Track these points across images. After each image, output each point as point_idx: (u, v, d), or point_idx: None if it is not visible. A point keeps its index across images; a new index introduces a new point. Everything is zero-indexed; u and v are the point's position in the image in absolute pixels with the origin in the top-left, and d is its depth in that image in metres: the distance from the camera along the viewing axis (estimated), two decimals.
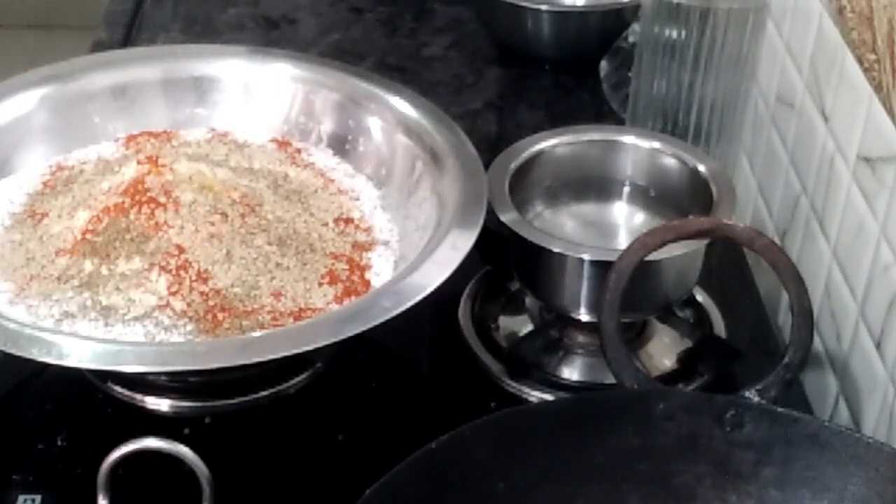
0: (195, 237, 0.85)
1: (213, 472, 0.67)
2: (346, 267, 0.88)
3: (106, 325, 0.81)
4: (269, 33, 1.36)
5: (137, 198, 0.86)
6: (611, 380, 0.79)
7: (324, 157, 0.99)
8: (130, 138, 0.98)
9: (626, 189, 0.97)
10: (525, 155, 0.94)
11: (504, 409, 0.76)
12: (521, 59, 1.31)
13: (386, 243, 0.91)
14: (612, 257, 0.80)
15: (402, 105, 0.97)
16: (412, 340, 0.93)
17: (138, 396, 0.86)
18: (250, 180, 0.92)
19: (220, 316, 0.82)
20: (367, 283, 0.87)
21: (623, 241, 0.92)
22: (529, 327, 0.94)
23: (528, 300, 0.96)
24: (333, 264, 0.87)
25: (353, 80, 1.01)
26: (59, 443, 0.83)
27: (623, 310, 0.79)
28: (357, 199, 0.95)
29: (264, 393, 0.87)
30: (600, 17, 1.27)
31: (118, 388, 0.86)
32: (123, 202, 0.86)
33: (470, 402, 0.88)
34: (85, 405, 0.87)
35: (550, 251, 0.85)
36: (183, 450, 0.66)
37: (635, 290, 0.80)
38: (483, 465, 0.69)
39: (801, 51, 0.98)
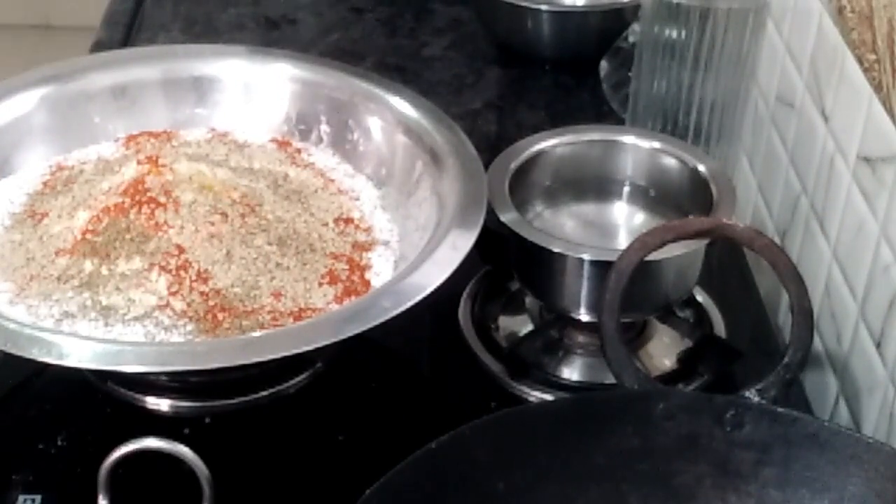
0: (195, 237, 0.85)
1: (213, 472, 0.67)
2: (346, 267, 0.88)
3: (106, 325, 0.81)
4: (269, 33, 1.36)
5: (137, 198, 0.86)
6: (611, 380, 0.79)
7: (324, 157, 0.99)
8: (130, 138, 0.98)
9: (626, 189, 0.97)
10: (525, 155, 0.94)
11: (504, 409, 0.76)
12: (521, 59, 1.31)
13: (386, 243, 0.91)
14: (612, 257, 0.80)
15: (402, 105, 0.97)
16: (412, 340, 0.93)
17: (138, 396, 0.86)
18: (250, 180, 0.92)
19: (220, 316, 0.82)
20: (367, 283, 0.87)
21: (623, 241, 0.92)
22: (529, 327, 0.94)
23: (528, 300, 0.96)
24: (333, 264, 0.87)
25: (353, 80, 1.01)
26: (59, 443, 0.83)
27: (623, 310, 0.79)
28: (357, 199, 0.95)
29: (264, 393, 0.87)
30: (600, 17, 1.27)
31: (118, 388, 0.86)
32: (123, 202, 0.86)
33: (470, 402, 0.88)
34: (85, 405, 0.87)
35: (550, 251, 0.85)
36: (183, 450, 0.66)
37: (635, 290, 0.80)
38: (483, 465, 0.69)
39: (801, 51, 0.98)
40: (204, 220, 0.86)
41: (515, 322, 0.95)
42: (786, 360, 0.78)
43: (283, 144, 0.99)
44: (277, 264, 0.85)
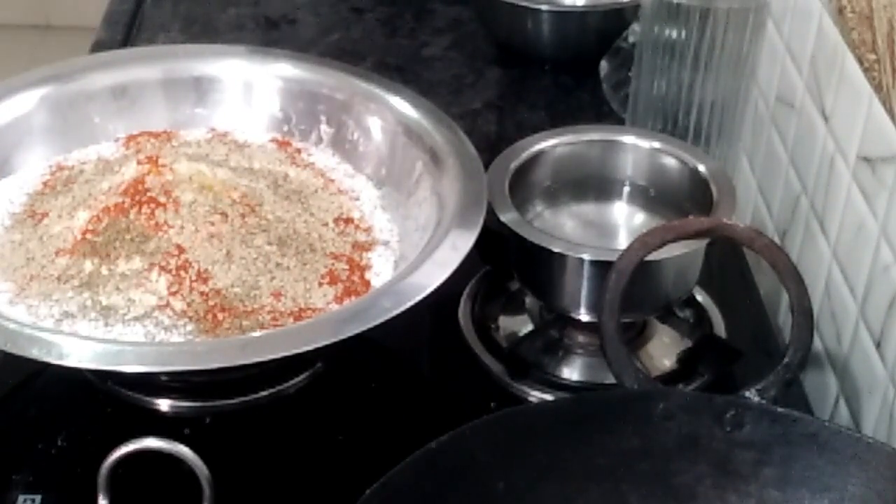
0: (195, 237, 0.85)
1: (213, 472, 0.67)
2: (346, 267, 0.88)
3: (106, 325, 0.81)
4: (269, 33, 1.36)
5: (137, 198, 0.86)
6: (611, 380, 0.78)
7: (324, 157, 0.99)
8: (130, 138, 0.98)
9: (626, 189, 0.97)
10: (525, 155, 0.94)
11: (504, 409, 0.76)
12: (521, 59, 1.31)
13: (386, 243, 0.91)
14: (612, 257, 0.80)
15: (402, 105, 0.97)
16: (412, 340, 0.93)
17: (138, 396, 0.86)
18: (250, 180, 0.92)
19: (220, 316, 0.82)
20: (367, 283, 0.87)
21: (623, 241, 0.92)
22: (529, 327, 0.94)
23: (528, 300, 0.96)
24: (333, 264, 0.87)
25: (353, 80, 1.01)
26: (59, 443, 0.83)
27: (623, 310, 0.79)
28: (357, 199, 0.95)
29: (264, 393, 0.87)
30: (600, 17, 1.27)
31: (118, 388, 0.86)
32: (123, 202, 0.86)
33: (470, 402, 0.88)
34: (85, 405, 0.87)
35: (550, 251, 0.85)
36: (183, 450, 0.66)
37: (635, 290, 0.80)
38: (483, 465, 0.69)
39: (801, 51, 0.98)
40: (204, 220, 0.86)
41: (515, 322, 0.95)
42: (786, 360, 0.78)
43: (283, 144, 0.99)
44: (277, 264, 0.85)
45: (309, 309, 0.83)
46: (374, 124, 0.98)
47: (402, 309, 0.77)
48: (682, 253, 0.85)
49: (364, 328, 0.75)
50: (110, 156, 0.96)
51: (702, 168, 0.93)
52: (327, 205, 0.93)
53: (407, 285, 0.79)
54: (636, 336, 0.93)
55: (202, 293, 0.83)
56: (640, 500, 0.71)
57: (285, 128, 1.01)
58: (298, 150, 0.99)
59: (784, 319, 0.99)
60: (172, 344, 0.80)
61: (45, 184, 0.93)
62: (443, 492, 0.67)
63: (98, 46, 1.28)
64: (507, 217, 0.87)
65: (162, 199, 0.86)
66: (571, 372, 0.91)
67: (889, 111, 0.81)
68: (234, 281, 0.84)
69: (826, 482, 0.70)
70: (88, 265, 0.84)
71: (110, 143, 0.98)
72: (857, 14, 0.86)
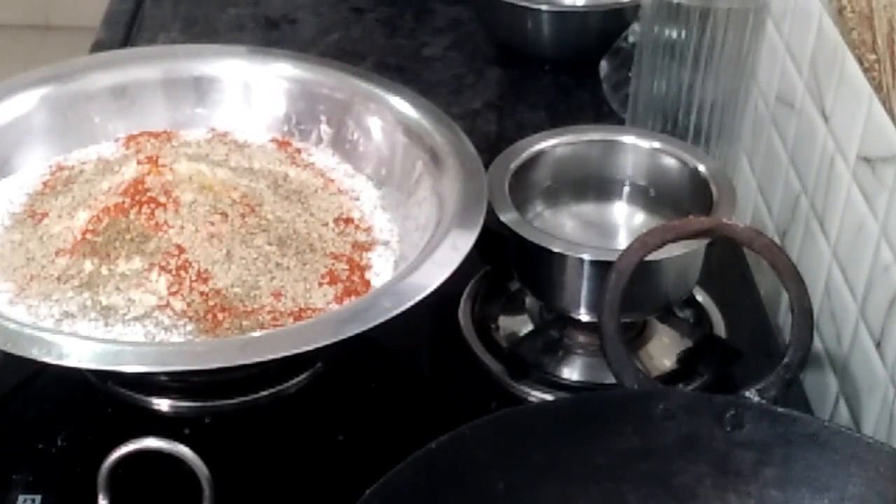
0: (195, 237, 0.85)
1: (212, 472, 0.67)
2: (346, 267, 0.88)
3: (106, 325, 0.81)
4: (269, 33, 1.36)
5: (137, 198, 0.86)
6: (611, 380, 0.78)
7: (324, 157, 0.99)
8: (130, 138, 0.98)
9: (626, 189, 0.97)
10: (525, 155, 0.94)
11: (504, 409, 0.76)
12: (521, 59, 1.31)
13: (386, 243, 0.91)
14: (612, 257, 0.80)
15: (402, 105, 0.97)
16: (412, 340, 0.93)
17: (138, 396, 0.86)
18: (250, 180, 0.92)
19: (220, 316, 0.82)
20: (367, 283, 0.87)
21: (623, 241, 0.92)
22: (529, 327, 0.94)
23: (528, 300, 0.96)
24: (333, 264, 0.87)
25: (353, 80, 1.01)
26: (59, 443, 0.83)
27: (623, 310, 0.79)
28: (357, 199, 0.95)
29: (264, 393, 0.87)
30: (600, 17, 1.27)
31: (118, 388, 0.86)
32: (123, 202, 0.86)
33: (470, 402, 0.88)
34: (85, 405, 0.87)
35: (550, 251, 0.85)
36: (183, 450, 0.66)
37: (635, 290, 0.80)
38: (483, 465, 0.69)
39: (801, 51, 0.98)
40: (204, 220, 0.86)
41: (515, 322, 0.95)
42: (786, 360, 0.78)
43: (283, 144, 0.99)
44: (277, 264, 0.85)
45: (309, 309, 0.83)
46: (374, 124, 0.98)
47: (402, 309, 0.77)
48: (682, 253, 0.85)
49: (364, 328, 0.76)
50: (110, 156, 0.96)
51: (702, 168, 0.93)
52: (327, 205, 0.93)
53: (407, 285, 0.79)
54: (636, 336, 0.93)
55: (202, 293, 0.83)
56: (640, 500, 0.71)
57: (285, 128, 1.01)
58: (298, 150, 0.99)
59: (784, 319, 0.99)
60: (172, 344, 0.80)
61: (45, 184, 0.93)
62: (443, 492, 0.67)
63: (98, 46, 1.28)
64: (507, 217, 0.87)
65: (162, 199, 0.86)
66: (571, 372, 0.91)
67: (889, 111, 0.81)
68: (234, 281, 0.84)
69: (826, 482, 0.70)
70: (88, 265, 0.84)
71: (110, 143, 0.98)
72: (857, 14, 0.86)
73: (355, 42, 1.35)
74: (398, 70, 1.29)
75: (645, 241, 0.80)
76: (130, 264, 0.83)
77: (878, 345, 0.82)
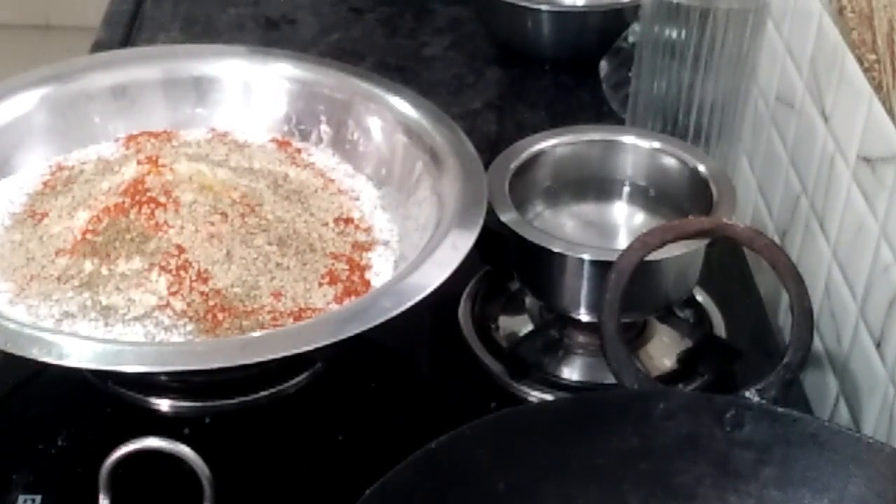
0: (195, 237, 0.85)
1: (213, 472, 0.67)
2: (346, 267, 0.88)
3: (106, 325, 0.81)
4: (269, 33, 1.36)
5: (137, 198, 0.86)
6: (611, 380, 0.79)
7: (324, 157, 0.99)
8: (130, 138, 0.98)
9: (626, 189, 0.97)
10: (525, 155, 0.94)
11: (504, 409, 0.76)
12: (521, 59, 1.31)
13: (386, 243, 0.91)
14: (612, 257, 0.80)
15: (402, 105, 0.97)
16: (412, 340, 0.93)
17: (138, 396, 0.86)
18: (250, 180, 0.92)
19: (220, 316, 0.82)
20: (367, 283, 0.87)
21: (623, 241, 0.92)
22: (529, 327, 0.94)
23: (528, 300, 0.96)
24: (333, 264, 0.87)
25: (353, 80, 1.01)
26: (59, 443, 0.83)
27: (623, 310, 0.79)
28: (357, 199, 0.95)
29: (264, 393, 0.87)
30: (600, 17, 1.27)
31: (118, 388, 0.86)
32: (123, 202, 0.86)
33: (470, 402, 0.88)
34: (85, 405, 0.87)
35: (550, 251, 0.85)
36: (184, 449, 0.66)
37: (635, 290, 0.80)
38: (483, 465, 0.69)
39: (801, 51, 0.98)
40: (204, 220, 0.86)
41: (515, 322, 0.95)
42: (786, 360, 0.78)
43: (283, 144, 0.99)
44: (277, 264, 0.85)
45: (309, 309, 0.83)
46: (374, 124, 0.98)
47: (402, 309, 0.77)
48: (682, 253, 0.85)
49: (364, 328, 0.76)
50: (110, 156, 0.96)
51: (702, 168, 0.93)
52: (327, 205, 0.93)
53: (407, 285, 0.79)
54: (636, 336, 0.93)
55: (202, 293, 0.83)
56: (640, 500, 0.71)
57: (285, 128, 1.01)
58: (298, 150, 0.99)
59: (784, 319, 0.99)
60: (172, 344, 0.80)
61: (45, 184, 0.93)
62: (443, 492, 0.67)
63: (98, 46, 1.28)
64: (507, 217, 0.87)
65: (162, 199, 0.86)
66: (571, 372, 0.91)
67: (889, 111, 0.81)
68: (234, 281, 0.84)
69: (826, 482, 0.70)
70: (88, 265, 0.84)
71: (110, 143, 0.98)
72: (857, 14, 0.86)
73: (355, 42, 1.35)
74: (398, 70, 1.28)
75: (645, 241, 0.80)
76: (130, 264, 0.83)
77: (878, 345, 0.82)
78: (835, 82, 0.90)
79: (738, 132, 1.07)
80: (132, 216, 0.85)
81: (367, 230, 0.93)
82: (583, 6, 1.32)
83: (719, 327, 0.94)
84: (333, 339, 0.75)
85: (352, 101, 0.99)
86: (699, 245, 0.86)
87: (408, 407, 0.89)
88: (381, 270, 0.88)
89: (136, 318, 0.81)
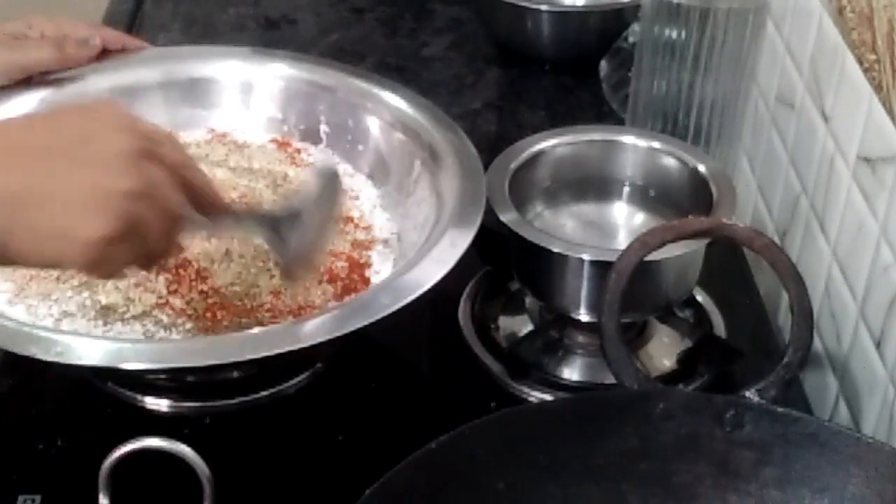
0: (194, 236, 0.84)
1: (213, 472, 0.67)
2: (346, 265, 0.88)
3: (105, 323, 0.81)
4: (269, 33, 1.36)
5: None
6: (611, 380, 0.78)
7: (323, 157, 0.99)
8: None
9: (626, 189, 0.97)
10: (525, 155, 0.94)
11: (504, 409, 0.76)
12: (521, 59, 1.31)
13: (385, 241, 0.91)
14: (612, 257, 0.80)
15: (401, 104, 0.97)
16: (412, 340, 0.93)
17: (138, 396, 0.86)
18: (249, 180, 0.92)
19: (219, 314, 0.82)
20: (367, 281, 0.87)
21: (623, 241, 0.92)
22: (529, 327, 0.94)
23: (528, 300, 0.96)
24: (333, 262, 0.87)
25: (353, 80, 1.01)
26: (59, 443, 0.83)
27: (623, 310, 0.79)
28: (356, 198, 0.95)
29: (264, 393, 0.87)
30: (600, 17, 1.27)
31: (118, 388, 0.86)
32: None
33: (470, 402, 0.88)
34: (85, 405, 0.87)
35: (550, 251, 0.85)
36: (184, 449, 0.66)
37: (635, 290, 0.80)
38: (483, 465, 0.69)
39: (801, 51, 0.98)
40: None
41: (515, 322, 0.95)
42: (786, 360, 0.78)
43: (282, 144, 0.99)
44: (276, 263, 0.85)
45: (308, 307, 0.83)
46: (374, 124, 0.98)
47: (400, 305, 0.76)
48: (682, 253, 0.85)
49: (362, 324, 0.75)
50: None
51: (702, 168, 0.93)
52: None
53: (405, 282, 0.79)
54: (636, 336, 0.93)
55: (201, 292, 0.83)
56: (640, 500, 0.71)
57: (285, 128, 1.01)
58: (298, 150, 0.99)
59: (784, 319, 0.99)
60: (171, 341, 0.80)
61: None
62: (443, 492, 0.67)
63: None
64: (507, 217, 0.87)
65: None
66: (571, 372, 0.91)
67: (889, 111, 0.81)
68: (233, 279, 0.84)
69: (826, 482, 0.70)
70: None
71: None
72: (857, 14, 0.86)
73: (355, 42, 1.35)
74: (398, 70, 1.28)
75: (645, 241, 0.80)
76: None
77: (878, 345, 0.82)
78: (835, 82, 0.90)
79: (738, 132, 1.07)
80: None
81: (367, 229, 0.92)
82: (583, 6, 1.32)
83: (719, 327, 0.94)
84: (334, 335, 0.75)
85: (351, 101, 0.99)
86: (699, 245, 0.86)
87: (408, 407, 0.89)
88: (380, 268, 0.88)
89: (135, 317, 0.81)
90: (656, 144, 0.96)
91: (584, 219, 0.96)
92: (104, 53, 0.99)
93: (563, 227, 0.95)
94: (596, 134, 0.98)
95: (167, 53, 1.09)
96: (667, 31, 1.02)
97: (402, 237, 0.91)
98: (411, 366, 0.94)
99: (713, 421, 0.71)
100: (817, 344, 0.91)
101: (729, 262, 1.02)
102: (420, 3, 1.43)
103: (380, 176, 0.96)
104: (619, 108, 1.17)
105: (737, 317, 0.96)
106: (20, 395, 0.88)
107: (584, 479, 0.71)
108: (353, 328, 0.75)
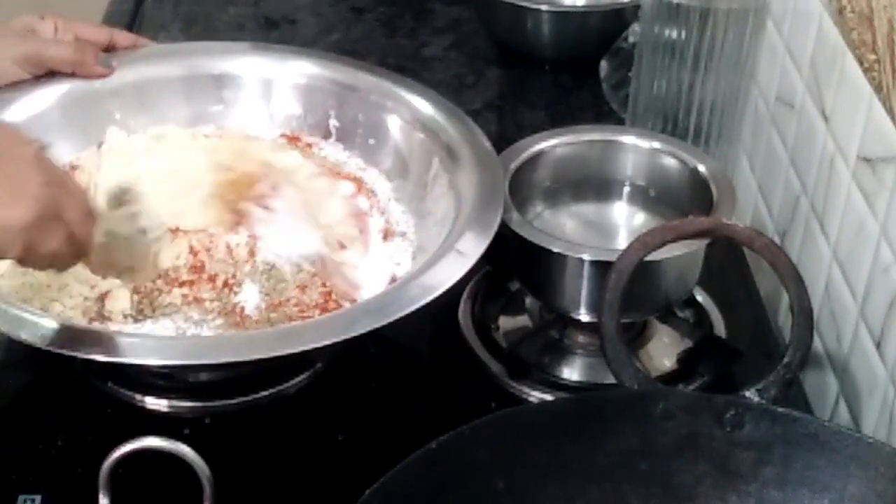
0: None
1: (213, 472, 0.67)
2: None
3: (135, 321, 0.82)
4: (269, 33, 1.36)
5: None
6: (611, 380, 0.79)
7: (334, 152, 0.99)
8: None
9: (626, 189, 0.97)
10: (525, 155, 0.94)
11: (504, 409, 0.76)
12: (521, 59, 1.31)
13: (403, 234, 0.91)
14: (612, 257, 0.80)
15: (417, 101, 0.97)
16: (412, 341, 0.93)
17: (138, 396, 0.86)
18: (269, 174, 0.93)
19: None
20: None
21: (623, 241, 0.92)
22: (529, 327, 0.94)
23: (528, 300, 0.96)
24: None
25: (366, 76, 1.01)
26: (59, 443, 0.83)
27: (623, 310, 0.79)
28: (373, 192, 0.96)
29: (264, 393, 0.87)
30: (600, 17, 1.27)
31: (118, 388, 0.86)
32: None
33: (470, 402, 0.88)
34: (85, 405, 0.87)
35: (550, 251, 0.85)
36: (184, 449, 0.66)
37: (635, 290, 0.80)
38: (483, 465, 0.69)
39: (801, 51, 0.98)
40: None
41: (515, 322, 0.95)
42: (786, 360, 0.78)
43: (293, 139, 1.00)
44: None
45: (333, 301, 0.84)
46: (392, 121, 0.98)
47: (412, 309, 0.77)
48: (682, 253, 0.85)
49: (372, 327, 0.76)
50: None
51: (702, 168, 0.93)
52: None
53: (418, 285, 0.79)
54: (636, 336, 0.93)
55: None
56: (640, 500, 0.71)
57: (295, 123, 1.01)
58: (309, 145, 0.99)
59: (784, 319, 0.99)
60: (202, 338, 0.81)
61: None
62: (443, 492, 0.67)
63: None
64: (507, 217, 0.87)
65: None
66: (571, 372, 0.91)
67: (889, 111, 0.81)
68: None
69: (826, 482, 0.70)
70: None
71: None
72: (857, 14, 0.86)
73: (355, 42, 1.35)
74: (398, 70, 1.28)
75: (645, 241, 0.80)
76: None
77: (878, 345, 0.82)
78: (835, 82, 0.90)
79: (738, 132, 1.07)
80: None
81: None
82: (583, 6, 1.32)
83: (719, 327, 0.95)
84: (340, 338, 0.75)
85: (366, 98, 0.99)
86: (699, 245, 0.86)
87: (408, 407, 0.89)
88: (400, 260, 0.89)
89: (165, 314, 0.82)
90: (656, 144, 0.96)
91: (584, 219, 0.96)
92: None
93: (563, 228, 0.95)
94: (596, 134, 0.98)
95: (186, 49, 1.08)
96: (667, 31, 1.02)
97: (420, 230, 0.91)
98: (411, 366, 0.94)
99: (713, 421, 0.71)
100: (817, 344, 0.91)
101: (729, 262, 1.02)
102: (420, 3, 1.43)
103: (397, 172, 0.96)
104: (619, 108, 1.17)
105: (737, 317, 0.96)
106: (20, 395, 0.88)
107: (584, 479, 0.71)
108: (362, 331, 0.75)
